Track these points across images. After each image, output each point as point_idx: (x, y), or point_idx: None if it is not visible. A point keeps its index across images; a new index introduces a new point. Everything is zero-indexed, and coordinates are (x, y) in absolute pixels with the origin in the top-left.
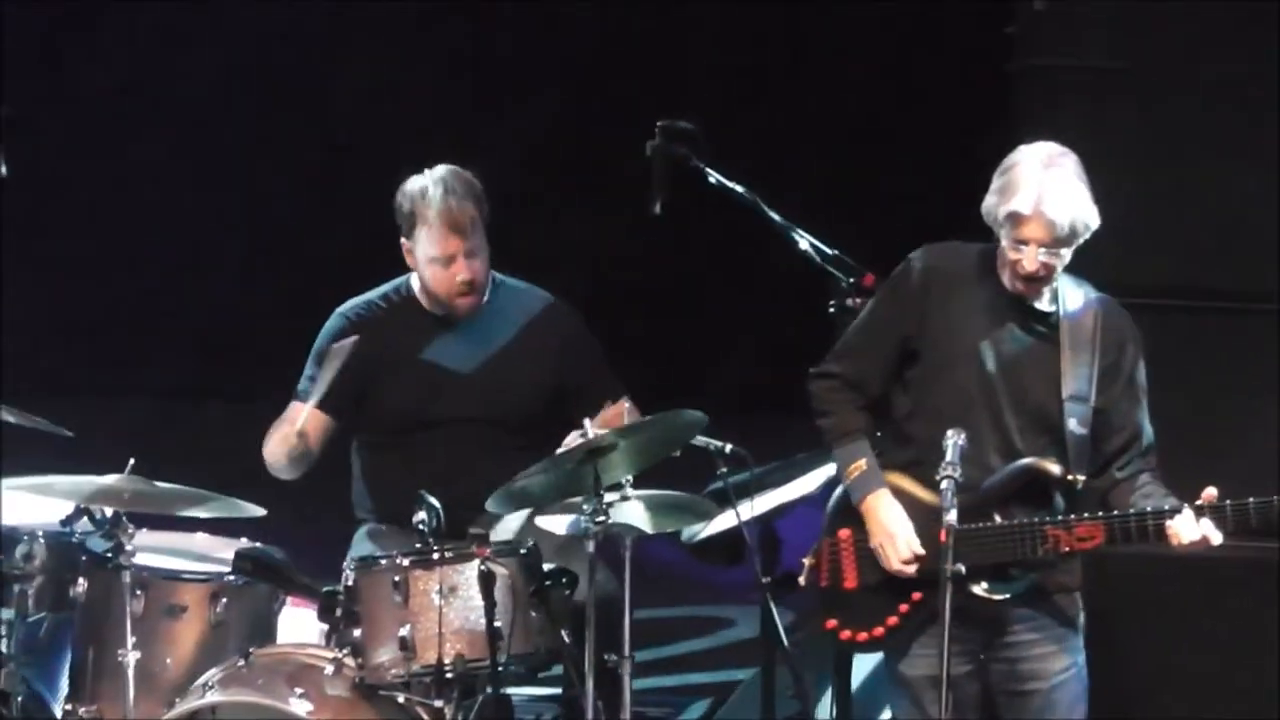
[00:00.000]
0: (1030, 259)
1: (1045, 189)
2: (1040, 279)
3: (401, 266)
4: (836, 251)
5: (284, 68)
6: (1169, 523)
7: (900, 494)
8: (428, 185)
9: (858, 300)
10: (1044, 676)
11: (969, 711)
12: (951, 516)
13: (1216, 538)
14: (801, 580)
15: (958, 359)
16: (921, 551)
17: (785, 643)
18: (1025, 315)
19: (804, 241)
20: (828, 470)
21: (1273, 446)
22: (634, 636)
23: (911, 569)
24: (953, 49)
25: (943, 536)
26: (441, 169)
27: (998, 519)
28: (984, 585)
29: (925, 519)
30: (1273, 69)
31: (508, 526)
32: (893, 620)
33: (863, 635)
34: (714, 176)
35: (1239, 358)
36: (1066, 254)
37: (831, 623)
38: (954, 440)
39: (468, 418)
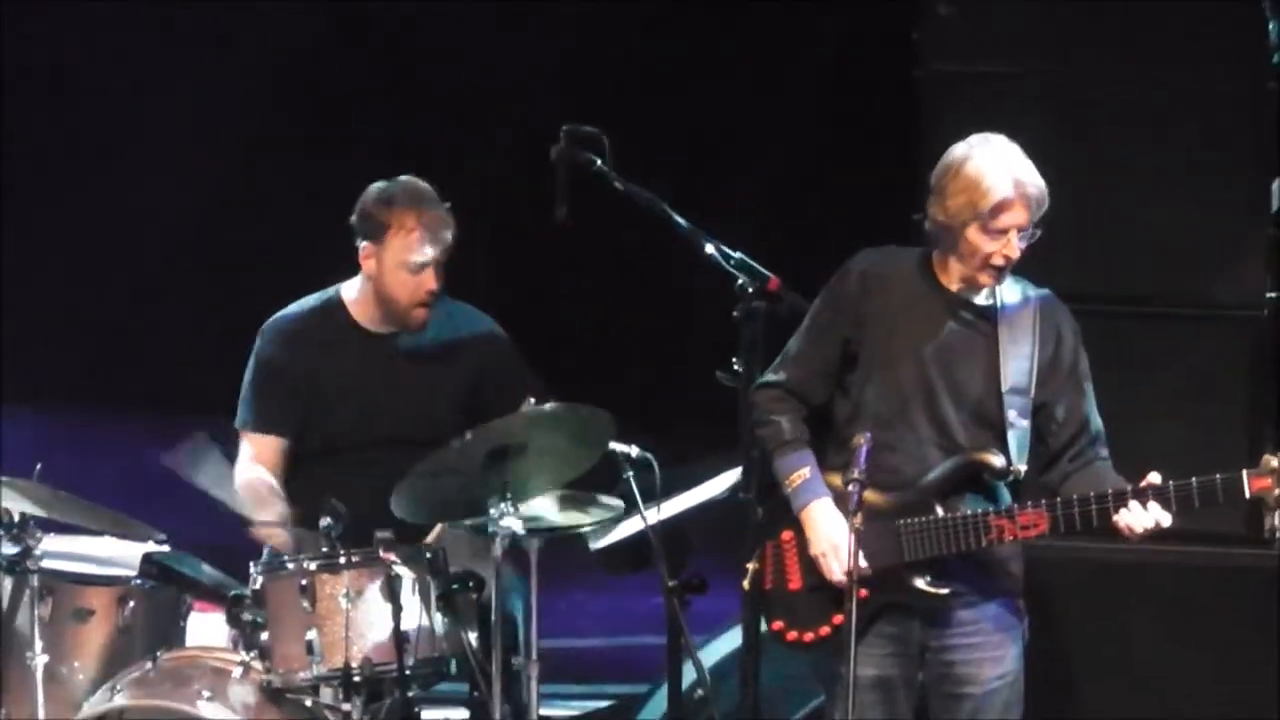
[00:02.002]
0: (1014, 245)
1: (1015, 171)
2: (1008, 265)
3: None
4: (741, 256)
5: (252, 70)
6: (1116, 516)
7: (844, 497)
8: (409, 194)
9: (761, 304)
10: (978, 681)
11: (906, 713)
12: (856, 520)
13: (1166, 519)
14: (745, 584)
15: (896, 358)
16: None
17: (691, 648)
18: (963, 311)
19: (709, 246)
20: (734, 474)
21: (1185, 447)
22: (542, 669)
23: None
24: (859, 55)
25: (851, 542)
26: (413, 180)
27: (940, 512)
28: (926, 579)
29: (870, 520)
30: (1174, 73)
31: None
32: (838, 619)
33: (809, 636)
34: (619, 182)
35: (1147, 362)
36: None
37: (777, 625)
38: (862, 444)
39: (395, 439)
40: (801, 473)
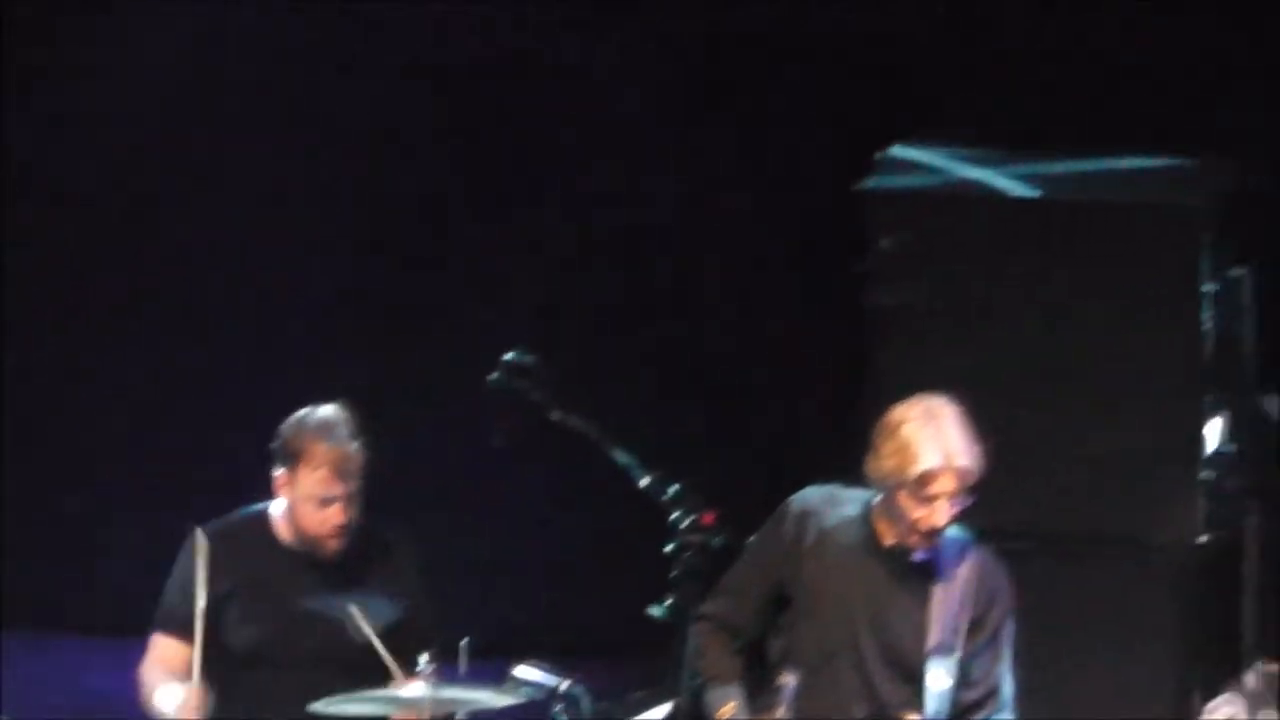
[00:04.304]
0: (942, 513)
1: (948, 441)
2: (942, 530)
3: None
4: (678, 487)
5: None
6: None
7: None
8: (319, 427)
9: (696, 538)
10: None
11: None
12: None
13: None
14: None
15: (826, 608)
16: None
17: None
18: (897, 568)
19: (646, 478)
20: (663, 710)
21: (1111, 687)
22: None
23: None
24: (807, 286)
25: None
26: (332, 410)
27: None
28: None
29: None
30: (1127, 299)
31: None
32: None
33: None
34: (555, 413)
35: (1074, 600)
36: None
37: None
38: (788, 685)
39: (316, 658)
40: (729, 708)
